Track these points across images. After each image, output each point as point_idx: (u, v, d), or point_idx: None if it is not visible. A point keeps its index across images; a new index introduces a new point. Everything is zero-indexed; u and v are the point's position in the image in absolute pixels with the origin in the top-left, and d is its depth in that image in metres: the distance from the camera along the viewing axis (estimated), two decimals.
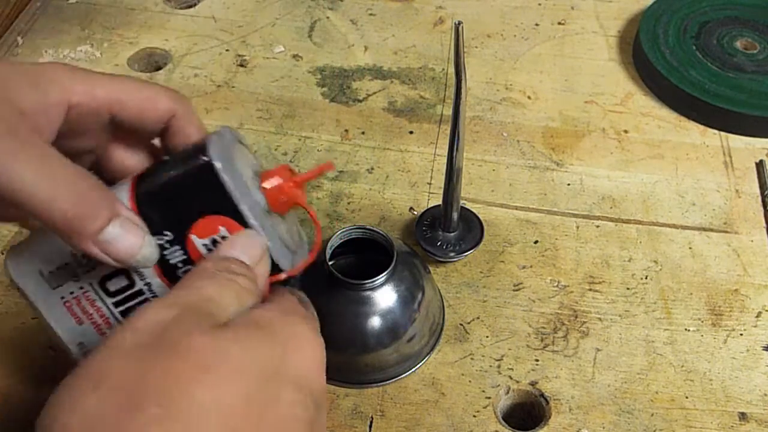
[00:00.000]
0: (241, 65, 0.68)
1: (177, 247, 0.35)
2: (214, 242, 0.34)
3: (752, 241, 0.55)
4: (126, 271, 0.35)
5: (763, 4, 0.71)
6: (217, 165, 0.33)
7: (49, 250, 0.35)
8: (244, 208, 0.34)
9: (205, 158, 0.34)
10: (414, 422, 0.45)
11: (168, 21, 0.72)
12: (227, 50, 0.70)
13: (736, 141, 0.62)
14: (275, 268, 0.35)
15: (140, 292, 0.35)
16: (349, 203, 0.57)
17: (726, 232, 0.56)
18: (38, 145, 0.31)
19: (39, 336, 0.49)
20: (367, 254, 0.49)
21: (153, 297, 0.35)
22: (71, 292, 0.35)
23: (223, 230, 0.34)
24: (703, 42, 0.67)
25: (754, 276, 0.53)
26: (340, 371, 0.47)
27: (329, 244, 0.46)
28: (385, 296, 0.46)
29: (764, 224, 0.56)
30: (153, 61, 0.70)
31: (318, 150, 0.61)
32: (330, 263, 0.45)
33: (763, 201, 0.58)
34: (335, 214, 0.56)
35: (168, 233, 0.34)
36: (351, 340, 0.46)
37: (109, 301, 0.35)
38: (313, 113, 0.64)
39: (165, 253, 0.35)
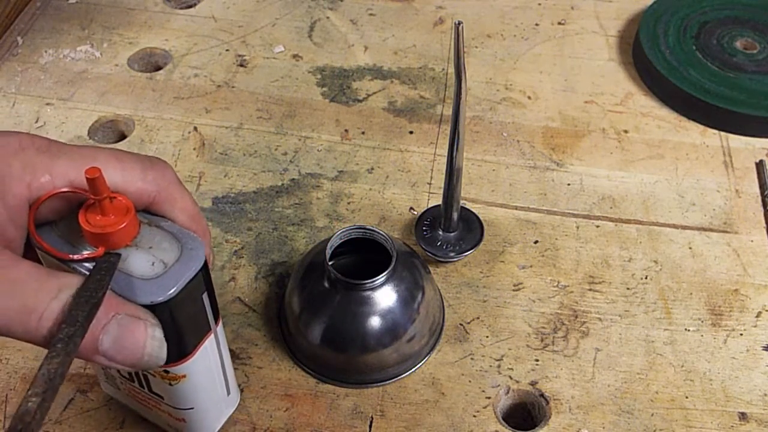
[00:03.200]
0: (241, 65, 0.68)
1: None
2: None
3: (752, 241, 0.55)
4: None
5: (763, 4, 0.71)
6: (37, 242, 0.34)
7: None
8: (76, 267, 0.34)
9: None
10: (414, 422, 0.45)
11: (168, 21, 0.72)
12: (227, 50, 0.70)
13: (736, 141, 0.62)
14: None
15: None
16: (349, 203, 0.57)
17: (726, 232, 0.56)
18: (8, 276, 0.30)
19: None
20: (367, 254, 0.49)
21: None
22: None
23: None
24: (703, 42, 0.67)
25: (754, 276, 0.53)
26: (340, 371, 0.47)
27: (329, 244, 0.46)
28: (385, 296, 0.46)
29: (764, 224, 0.56)
30: (153, 61, 0.70)
31: (318, 150, 0.61)
32: (330, 263, 0.45)
33: (763, 201, 0.58)
34: (335, 214, 0.56)
35: None
36: (351, 340, 0.46)
37: None
38: (313, 113, 0.64)
39: None
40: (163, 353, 0.34)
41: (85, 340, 0.31)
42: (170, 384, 0.39)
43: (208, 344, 0.39)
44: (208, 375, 0.40)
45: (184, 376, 0.38)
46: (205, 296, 0.37)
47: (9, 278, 0.30)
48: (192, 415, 0.41)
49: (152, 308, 0.34)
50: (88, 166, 0.32)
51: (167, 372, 0.38)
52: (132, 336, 0.32)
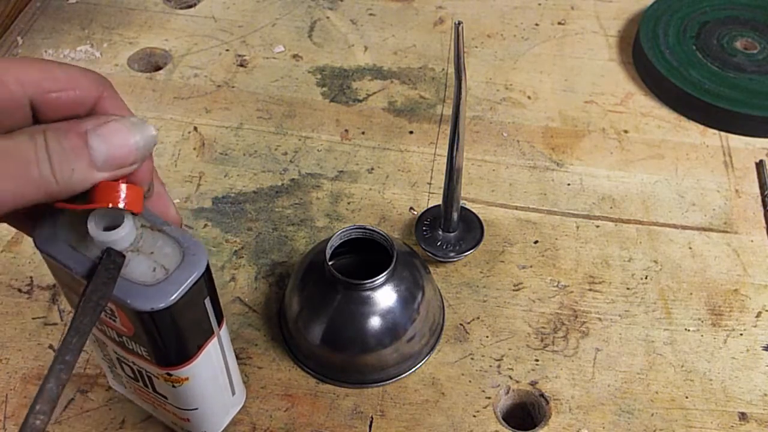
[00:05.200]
0: (241, 65, 0.68)
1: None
2: (107, 313, 0.35)
3: (752, 241, 0.55)
4: None
5: (763, 4, 0.71)
6: (39, 247, 0.34)
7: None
8: (78, 272, 0.34)
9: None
10: (414, 422, 0.45)
11: (168, 21, 0.72)
12: (227, 50, 0.70)
13: (736, 141, 0.62)
14: (130, 311, 0.34)
15: None
16: (349, 203, 0.57)
17: (726, 232, 0.56)
18: None
19: (39, 336, 0.49)
20: (367, 254, 0.49)
21: None
22: None
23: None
24: (703, 42, 0.67)
25: (754, 276, 0.53)
26: (340, 371, 0.47)
27: (329, 244, 0.46)
28: (385, 296, 0.46)
29: (764, 224, 0.56)
30: (153, 61, 0.70)
31: (318, 150, 0.61)
32: (330, 263, 0.45)
33: (763, 201, 0.58)
34: (335, 214, 0.56)
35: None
36: (351, 340, 0.46)
37: None
38: (313, 113, 0.64)
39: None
40: (153, 134, 0.33)
41: (78, 165, 0.31)
42: (173, 386, 0.39)
43: (211, 347, 0.39)
44: (212, 377, 0.40)
45: (186, 379, 0.38)
46: (207, 301, 0.36)
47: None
48: (196, 415, 0.41)
49: (153, 314, 0.34)
50: (37, 69, 0.32)
51: (170, 375, 0.38)
52: (116, 132, 0.32)
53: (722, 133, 0.63)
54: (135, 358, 0.38)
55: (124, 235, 0.34)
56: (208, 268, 0.35)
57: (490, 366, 0.48)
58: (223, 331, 0.39)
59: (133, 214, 0.34)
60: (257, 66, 0.68)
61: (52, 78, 0.32)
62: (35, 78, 0.32)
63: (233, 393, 0.43)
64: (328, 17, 0.73)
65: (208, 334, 0.38)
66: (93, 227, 0.34)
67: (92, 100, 0.33)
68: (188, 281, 0.34)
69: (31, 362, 0.48)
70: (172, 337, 0.35)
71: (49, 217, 0.36)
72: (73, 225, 0.35)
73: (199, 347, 0.38)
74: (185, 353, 0.37)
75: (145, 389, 0.41)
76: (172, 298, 0.34)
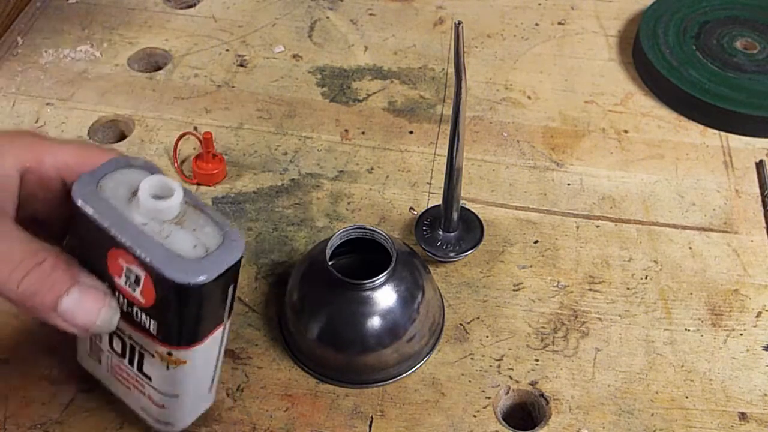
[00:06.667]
0: (241, 65, 0.68)
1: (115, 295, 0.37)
2: (129, 279, 0.35)
3: (752, 241, 0.55)
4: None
5: (763, 4, 0.71)
6: (78, 202, 0.34)
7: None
8: (116, 233, 0.34)
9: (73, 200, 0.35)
10: (414, 422, 0.45)
11: (168, 21, 0.72)
12: (227, 50, 0.70)
13: (736, 141, 0.62)
14: (164, 280, 0.34)
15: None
16: (349, 203, 0.57)
17: (726, 232, 0.56)
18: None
19: (39, 336, 0.49)
20: (367, 254, 0.49)
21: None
22: None
23: (123, 262, 0.35)
24: (703, 42, 0.67)
25: (754, 276, 0.53)
26: (340, 371, 0.47)
27: (329, 244, 0.46)
28: (385, 296, 0.46)
29: (764, 224, 0.56)
30: (153, 61, 0.70)
31: (318, 150, 0.61)
32: (330, 263, 0.45)
33: (763, 201, 0.58)
34: (335, 214, 0.56)
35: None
36: (351, 340, 0.46)
37: None
38: (313, 113, 0.64)
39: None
40: (115, 322, 0.36)
41: (46, 298, 0.34)
42: (168, 368, 0.38)
43: (217, 335, 0.39)
44: (206, 366, 0.40)
45: (185, 362, 0.38)
46: (231, 288, 0.37)
47: (17, 250, 0.35)
48: (173, 403, 0.41)
49: (186, 289, 0.34)
50: (71, 152, 0.37)
51: (171, 354, 0.38)
52: (91, 302, 0.35)
53: (722, 133, 0.63)
54: (136, 332, 0.38)
55: (173, 206, 0.35)
56: (241, 256, 0.36)
57: (490, 366, 0.48)
58: (229, 324, 0.39)
59: (181, 187, 0.35)
60: (257, 66, 0.68)
61: (78, 161, 0.37)
62: (65, 158, 0.37)
63: (210, 390, 0.43)
64: (328, 17, 0.73)
65: (219, 321, 0.38)
66: (144, 193, 0.34)
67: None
68: (228, 262, 0.35)
69: (31, 362, 0.48)
70: (191, 315, 0.36)
71: (89, 173, 0.36)
72: (117, 186, 0.35)
73: (208, 333, 0.38)
74: (195, 335, 0.37)
75: (127, 367, 0.41)
76: (210, 276, 0.34)
